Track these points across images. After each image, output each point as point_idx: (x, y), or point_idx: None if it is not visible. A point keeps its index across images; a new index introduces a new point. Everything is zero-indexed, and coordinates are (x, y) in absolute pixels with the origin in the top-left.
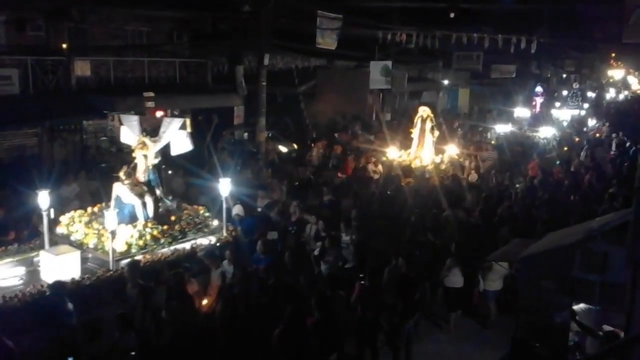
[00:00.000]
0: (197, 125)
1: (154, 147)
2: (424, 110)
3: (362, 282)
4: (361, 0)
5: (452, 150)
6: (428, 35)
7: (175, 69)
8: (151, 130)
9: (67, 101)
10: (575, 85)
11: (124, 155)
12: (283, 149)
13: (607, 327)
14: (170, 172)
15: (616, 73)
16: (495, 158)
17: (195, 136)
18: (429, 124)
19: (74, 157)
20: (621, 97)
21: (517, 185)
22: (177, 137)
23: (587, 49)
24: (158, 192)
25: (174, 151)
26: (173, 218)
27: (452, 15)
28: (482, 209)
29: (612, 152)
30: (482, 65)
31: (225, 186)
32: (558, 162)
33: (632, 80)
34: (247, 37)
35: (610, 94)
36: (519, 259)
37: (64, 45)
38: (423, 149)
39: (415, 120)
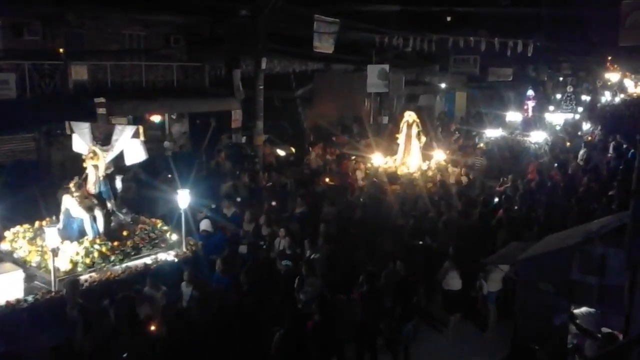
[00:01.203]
0: (195, 129)
1: (105, 157)
2: (410, 115)
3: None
4: (358, 4)
5: (440, 156)
6: (425, 38)
7: (173, 73)
8: (103, 138)
9: (64, 106)
10: (569, 89)
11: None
12: (281, 152)
13: (605, 330)
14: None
15: (613, 76)
16: (483, 164)
17: (193, 140)
18: (415, 130)
19: (72, 162)
20: (617, 100)
21: (502, 188)
22: (130, 145)
23: (584, 52)
24: (109, 205)
25: (128, 161)
26: (125, 233)
27: (448, 19)
28: (480, 212)
29: (609, 155)
30: (479, 68)
31: (184, 198)
32: (556, 165)
33: (628, 83)
34: (245, 41)
35: (606, 97)
36: (517, 262)
37: (61, 50)
38: (409, 155)
39: (401, 126)
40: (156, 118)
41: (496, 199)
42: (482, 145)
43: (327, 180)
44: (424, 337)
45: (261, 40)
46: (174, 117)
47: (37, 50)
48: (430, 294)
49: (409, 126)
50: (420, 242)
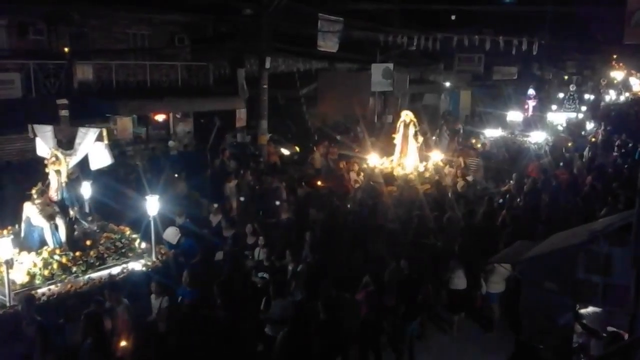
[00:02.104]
0: (200, 128)
1: (68, 162)
2: (406, 115)
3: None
4: (362, 3)
5: (437, 156)
6: (429, 37)
7: (177, 72)
8: (66, 142)
9: (69, 105)
10: (572, 88)
11: (126, 159)
12: (285, 151)
13: (611, 329)
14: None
15: (618, 75)
16: (480, 165)
17: (198, 139)
18: (412, 130)
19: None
20: (622, 98)
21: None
22: (94, 149)
23: (589, 50)
24: (72, 212)
25: (93, 165)
26: (89, 242)
27: (453, 17)
28: (484, 211)
29: (614, 154)
30: (484, 67)
31: (153, 204)
32: (561, 164)
33: (633, 81)
34: (249, 40)
35: (610, 95)
36: (522, 261)
37: (66, 49)
38: (406, 156)
39: (397, 126)
40: (161, 117)
41: (500, 200)
42: (478, 145)
43: (319, 182)
44: (428, 336)
45: (265, 39)
46: (178, 116)
47: (42, 49)
48: (436, 293)
49: (406, 126)
50: (426, 241)
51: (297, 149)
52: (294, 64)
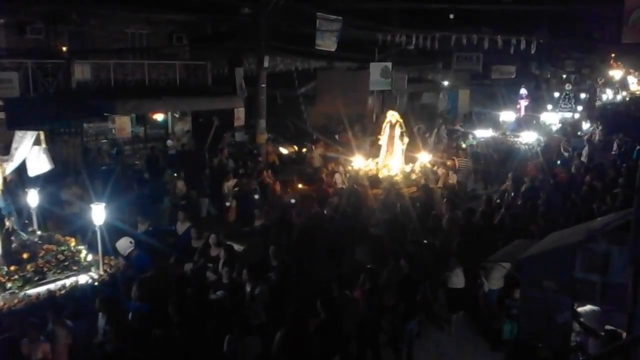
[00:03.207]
0: (198, 127)
1: (4, 168)
2: (392, 115)
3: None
4: (360, 1)
5: (425, 157)
6: (428, 36)
7: (176, 71)
8: (3, 147)
9: (67, 104)
10: (568, 87)
11: (125, 158)
12: (284, 150)
13: (609, 327)
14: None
15: (616, 73)
16: (470, 166)
17: (196, 138)
18: (398, 130)
19: (75, 160)
20: (619, 98)
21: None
22: (32, 154)
23: (587, 49)
24: (8, 223)
25: (31, 172)
26: (26, 255)
27: (451, 16)
28: (483, 210)
29: (612, 153)
30: (482, 66)
31: (99, 213)
32: (559, 162)
33: (631, 80)
34: (247, 39)
35: (607, 95)
36: (521, 260)
37: (64, 48)
38: (392, 157)
39: (383, 126)
40: (159, 116)
41: (497, 199)
42: (465, 146)
43: (299, 186)
44: (426, 334)
45: (264, 38)
46: (177, 115)
47: (40, 48)
48: (434, 291)
49: (392, 127)
50: (425, 241)
51: (296, 148)
52: (292, 63)
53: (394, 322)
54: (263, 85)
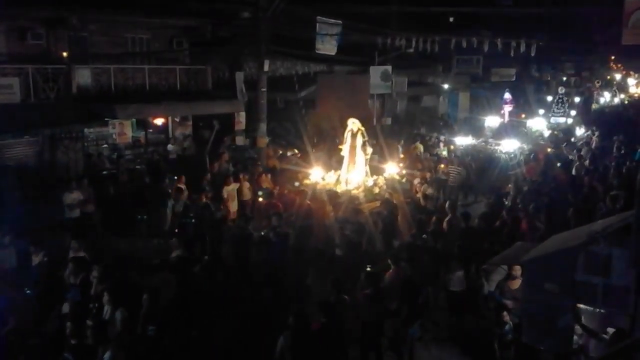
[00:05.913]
0: (199, 131)
1: None
2: (353, 123)
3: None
4: (360, 5)
5: (392, 169)
6: (427, 39)
7: (176, 75)
8: None
9: (68, 109)
10: (561, 90)
11: (126, 163)
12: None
13: (611, 330)
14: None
15: (617, 76)
16: (461, 173)
17: (197, 142)
18: (360, 140)
19: (76, 165)
20: (616, 100)
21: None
22: None
23: (587, 51)
24: None
25: None
26: None
27: (451, 19)
28: (483, 213)
29: (613, 155)
30: (482, 69)
31: None
32: (559, 164)
33: (631, 82)
34: (247, 44)
35: (605, 97)
36: (522, 263)
37: (65, 54)
38: (354, 169)
39: (345, 136)
40: (160, 121)
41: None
42: (444, 154)
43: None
44: (428, 337)
45: (264, 43)
46: (177, 120)
47: (40, 54)
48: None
49: (353, 136)
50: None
51: (296, 151)
52: (292, 66)
53: (395, 326)
54: (263, 89)
